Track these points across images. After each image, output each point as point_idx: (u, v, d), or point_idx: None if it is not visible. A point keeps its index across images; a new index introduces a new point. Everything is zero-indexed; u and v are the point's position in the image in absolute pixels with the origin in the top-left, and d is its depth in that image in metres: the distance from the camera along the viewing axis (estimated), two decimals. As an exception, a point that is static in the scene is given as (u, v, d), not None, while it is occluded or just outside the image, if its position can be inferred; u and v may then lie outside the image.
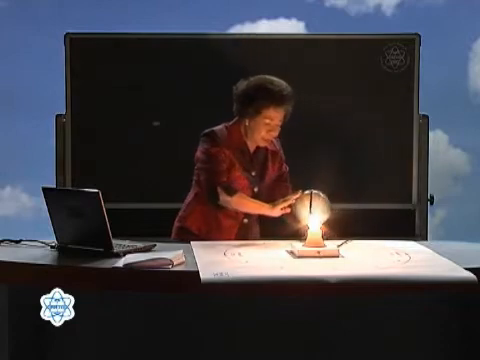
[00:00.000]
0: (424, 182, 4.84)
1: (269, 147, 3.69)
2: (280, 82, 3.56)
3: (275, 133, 3.58)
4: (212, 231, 3.62)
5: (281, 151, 3.76)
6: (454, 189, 5.86)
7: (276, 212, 3.47)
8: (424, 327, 3.04)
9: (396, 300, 2.99)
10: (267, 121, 3.54)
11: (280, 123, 3.56)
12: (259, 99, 3.52)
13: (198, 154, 3.62)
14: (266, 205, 3.52)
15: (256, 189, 3.66)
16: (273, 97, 3.51)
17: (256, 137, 3.59)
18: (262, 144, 3.63)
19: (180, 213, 3.74)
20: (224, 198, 3.54)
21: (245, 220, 3.66)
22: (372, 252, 3.29)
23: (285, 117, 3.57)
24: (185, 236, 3.62)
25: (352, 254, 3.21)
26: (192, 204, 3.70)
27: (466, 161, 5.83)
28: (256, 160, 3.67)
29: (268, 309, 2.96)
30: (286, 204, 3.45)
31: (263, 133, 3.56)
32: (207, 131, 3.62)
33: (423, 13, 5.70)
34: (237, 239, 3.56)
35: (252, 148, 3.66)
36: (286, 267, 3.00)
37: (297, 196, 3.43)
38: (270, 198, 3.61)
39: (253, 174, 3.66)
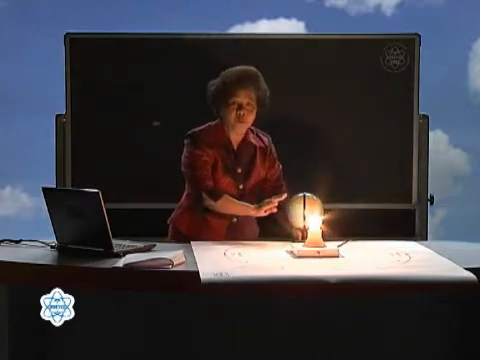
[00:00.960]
0: (424, 182, 4.84)
1: (257, 143, 3.68)
2: (244, 66, 3.61)
3: (246, 113, 3.54)
4: (202, 232, 3.61)
5: (273, 148, 3.74)
6: (454, 189, 5.85)
7: (261, 213, 3.49)
8: (424, 327, 3.04)
9: (396, 300, 2.99)
10: (233, 100, 3.54)
11: (251, 103, 3.55)
12: (224, 84, 3.56)
13: (182, 157, 3.65)
14: (251, 206, 3.53)
15: (241, 186, 3.64)
16: (236, 76, 3.55)
17: (231, 123, 3.57)
18: (238, 130, 3.60)
19: (172, 214, 3.75)
20: (209, 202, 3.57)
21: (234, 219, 3.65)
22: (372, 252, 3.30)
23: (259, 100, 3.57)
24: (177, 237, 3.65)
25: (352, 254, 3.21)
26: (183, 205, 3.71)
27: (466, 161, 5.83)
28: (241, 157, 3.66)
29: (268, 309, 2.96)
30: (270, 206, 3.45)
31: (233, 115, 3.55)
32: (190, 132, 3.65)
33: (423, 13, 5.69)
34: (227, 239, 3.54)
35: (236, 144, 3.65)
36: (286, 267, 3.00)
37: (281, 198, 3.45)
38: (263, 198, 3.60)
39: (239, 171, 3.65)
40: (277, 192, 3.64)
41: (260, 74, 3.61)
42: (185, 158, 3.63)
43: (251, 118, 3.59)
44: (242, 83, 3.54)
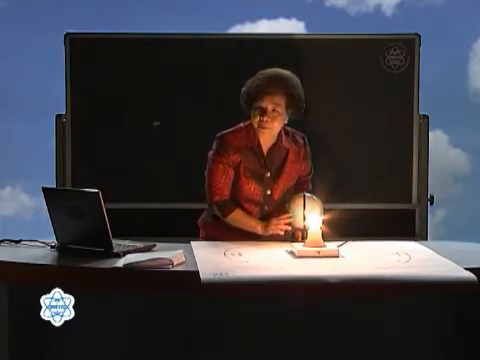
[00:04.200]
0: (424, 182, 4.84)
1: (289, 146, 3.57)
2: (275, 69, 3.50)
3: (269, 120, 3.42)
4: (231, 237, 3.51)
5: (307, 151, 3.63)
6: (454, 189, 5.85)
7: (268, 232, 3.48)
8: (424, 327, 3.04)
9: (396, 300, 2.99)
10: (257, 105, 3.44)
11: (277, 109, 3.43)
12: (251, 87, 3.48)
13: (207, 157, 3.57)
14: (260, 225, 3.50)
15: (269, 192, 3.57)
16: (261, 81, 3.46)
17: (255, 128, 3.48)
18: (263, 136, 3.49)
19: (201, 216, 3.69)
20: (218, 215, 3.54)
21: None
22: (372, 252, 3.30)
23: (289, 105, 3.45)
24: (208, 240, 3.57)
25: (352, 254, 3.21)
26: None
27: (466, 161, 5.83)
28: (271, 161, 3.55)
29: (268, 309, 2.96)
30: (278, 227, 3.45)
31: (256, 120, 3.45)
32: (218, 134, 3.55)
33: (423, 13, 5.69)
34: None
35: (266, 147, 3.54)
36: (286, 267, 3.00)
37: (289, 218, 3.44)
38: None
39: (268, 175, 3.56)
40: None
41: (292, 78, 3.49)
42: (209, 160, 3.55)
43: (277, 124, 3.46)
44: (267, 88, 3.43)
